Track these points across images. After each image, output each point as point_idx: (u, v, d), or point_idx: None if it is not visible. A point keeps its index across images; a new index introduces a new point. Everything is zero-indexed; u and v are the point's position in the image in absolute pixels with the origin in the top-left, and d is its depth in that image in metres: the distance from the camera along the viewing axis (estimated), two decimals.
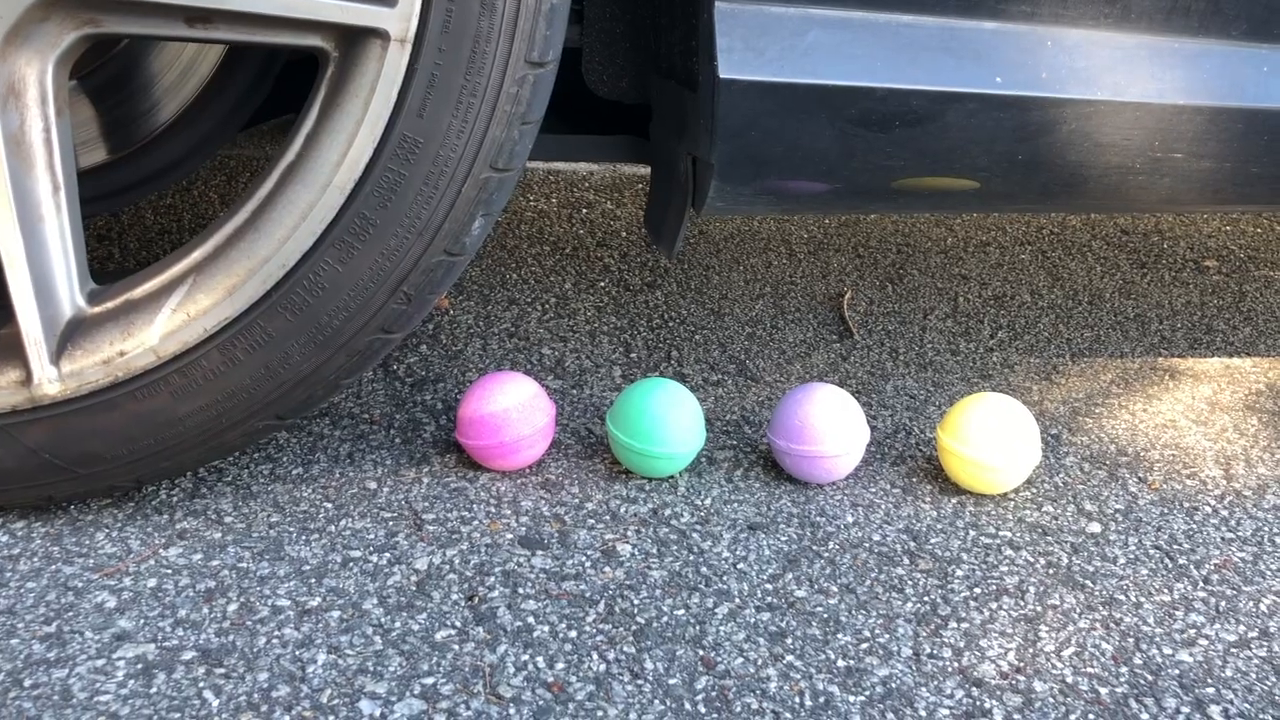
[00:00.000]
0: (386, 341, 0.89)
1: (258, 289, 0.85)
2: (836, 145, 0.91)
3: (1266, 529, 1.00)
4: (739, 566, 0.89)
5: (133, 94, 1.37)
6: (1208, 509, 1.03)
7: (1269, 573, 0.93)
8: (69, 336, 0.85)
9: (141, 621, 0.79)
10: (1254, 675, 0.79)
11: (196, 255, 0.86)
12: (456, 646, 0.78)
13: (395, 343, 0.91)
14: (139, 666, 0.74)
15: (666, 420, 0.98)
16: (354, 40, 0.82)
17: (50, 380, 0.84)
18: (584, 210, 1.99)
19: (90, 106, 1.34)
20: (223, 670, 0.74)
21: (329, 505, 0.95)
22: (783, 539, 0.94)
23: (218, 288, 0.85)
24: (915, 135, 0.91)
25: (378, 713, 0.71)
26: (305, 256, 0.85)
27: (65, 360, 0.85)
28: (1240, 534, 0.99)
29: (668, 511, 0.97)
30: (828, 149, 0.91)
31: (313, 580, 0.85)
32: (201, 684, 0.73)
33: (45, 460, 0.87)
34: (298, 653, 0.77)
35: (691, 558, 0.90)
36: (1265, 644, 0.83)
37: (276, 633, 0.78)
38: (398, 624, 0.80)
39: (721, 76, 0.85)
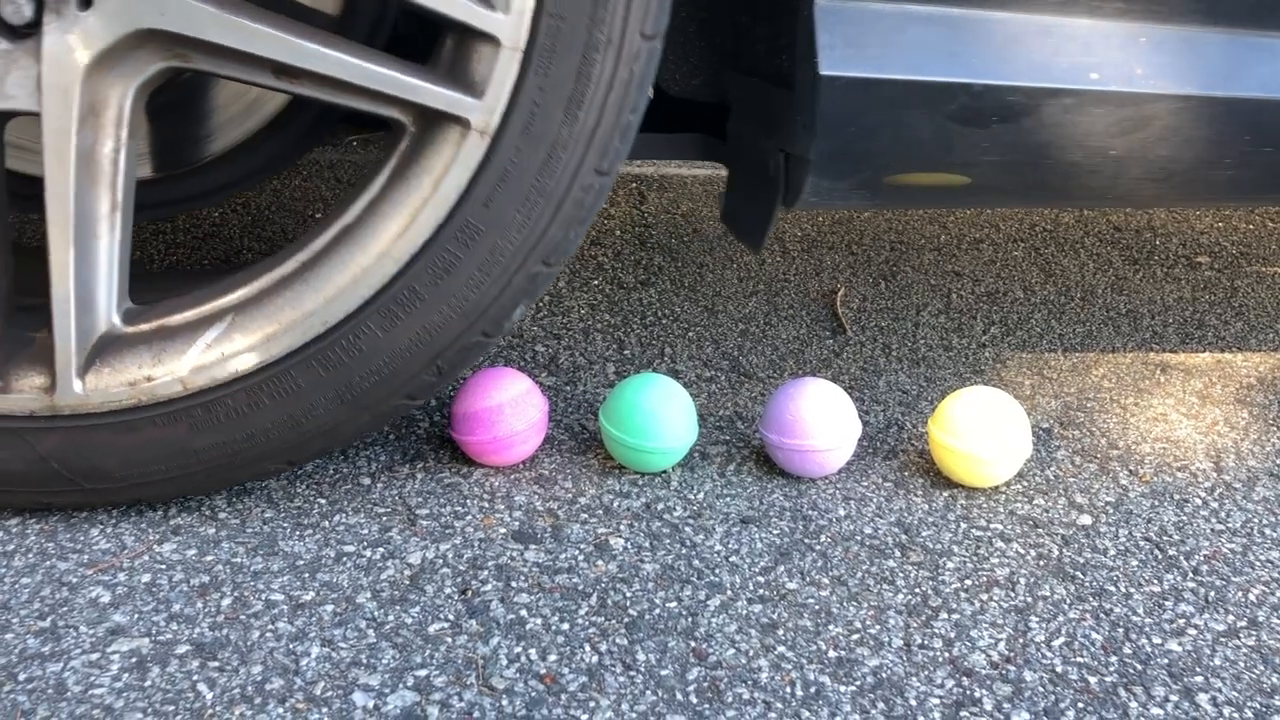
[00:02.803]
0: (409, 407, 0.91)
1: (295, 340, 0.86)
2: (933, 141, 0.92)
3: (1256, 521, 1.00)
4: (731, 559, 0.90)
5: (191, 120, 1.38)
6: (1198, 501, 1.03)
7: (1258, 563, 0.93)
8: (99, 352, 0.85)
9: (136, 616, 0.79)
10: (1242, 664, 0.80)
11: (239, 294, 0.87)
12: (449, 639, 0.78)
13: (415, 408, 0.93)
14: (133, 660, 0.75)
15: (658, 415, 0.98)
16: (434, 121, 0.84)
17: (74, 392, 0.85)
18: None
19: (146, 123, 1.35)
20: (217, 663, 0.75)
21: (322, 501, 0.95)
22: (774, 532, 0.94)
23: (256, 332, 0.86)
24: (1011, 131, 0.92)
25: (371, 704, 0.72)
26: (349, 318, 0.86)
27: (92, 375, 0.85)
28: (1230, 526, 0.99)
29: (660, 506, 0.98)
30: (925, 144, 0.92)
31: (306, 575, 0.85)
32: (196, 677, 0.73)
33: (53, 469, 0.87)
34: (291, 646, 0.77)
35: (684, 551, 0.91)
36: (1254, 633, 0.84)
37: (270, 626, 0.79)
38: (391, 617, 0.80)
39: (823, 74, 0.86)
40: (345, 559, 0.87)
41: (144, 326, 0.87)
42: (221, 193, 1.45)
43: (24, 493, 0.88)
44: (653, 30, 0.83)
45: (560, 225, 0.86)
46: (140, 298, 0.89)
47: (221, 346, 0.85)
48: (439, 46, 0.85)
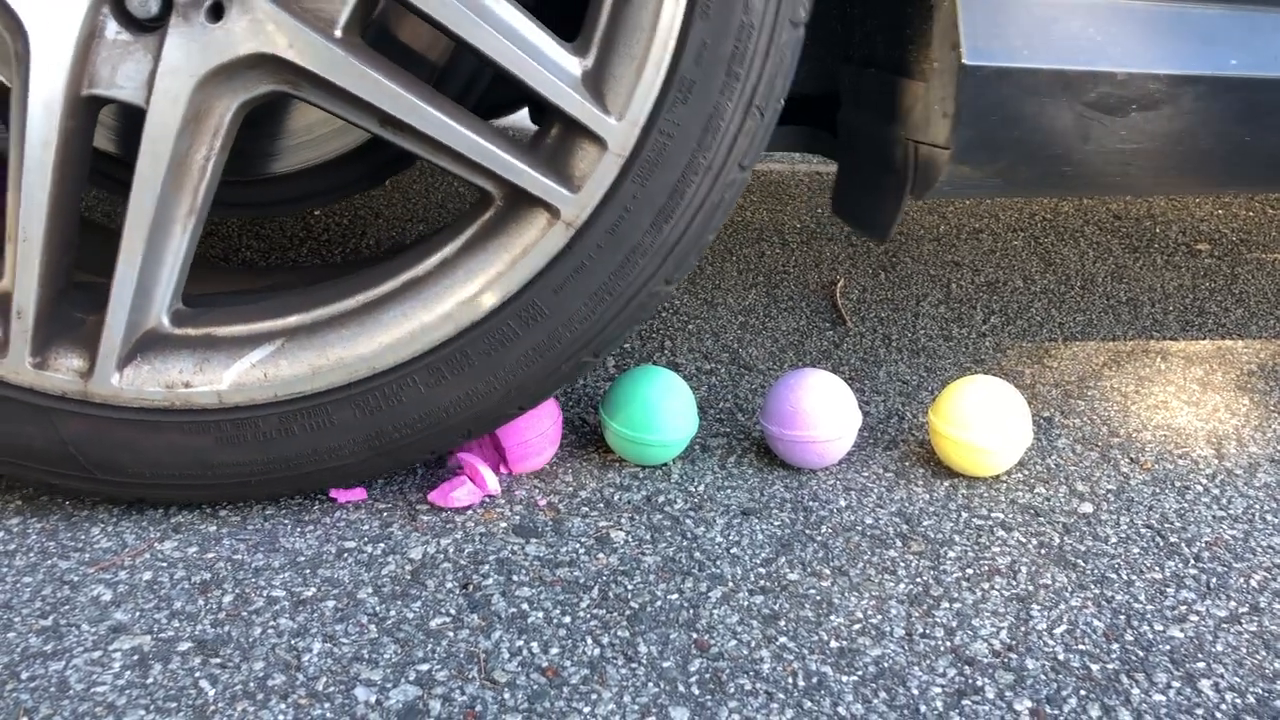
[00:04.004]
0: (428, 458, 0.92)
1: (338, 378, 0.86)
2: (1073, 129, 0.92)
3: (1258, 506, 1.00)
4: (732, 551, 0.90)
5: (263, 136, 1.36)
6: (1199, 488, 1.03)
7: (1260, 549, 0.93)
8: (142, 348, 0.86)
9: (137, 614, 0.79)
10: (1244, 650, 0.80)
11: (294, 321, 0.87)
12: (451, 633, 0.79)
13: (434, 458, 0.95)
14: (135, 658, 0.75)
15: (659, 408, 0.98)
16: (523, 202, 0.84)
17: (109, 383, 0.85)
18: None
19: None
20: (219, 660, 0.75)
21: (323, 497, 0.95)
22: (775, 524, 0.94)
23: (302, 362, 0.86)
24: (1150, 118, 0.93)
25: (373, 699, 0.72)
26: (397, 368, 0.86)
27: (130, 369, 0.85)
28: (1231, 512, 0.99)
29: (661, 499, 0.98)
30: (1065, 132, 0.93)
31: (307, 571, 0.85)
32: (198, 674, 0.73)
33: (70, 453, 0.87)
34: (293, 642, 0.77)
35: (685, 543, 0.91)
36: (1255, 619, 0.83)
37: (272, 623, 0.79)
38: (393, 612, 0.81)
39: (966, 63, 0.87)
40: (346, 555, 0.87)
41: (191, 331, 0.87)
42: (294, 204, 1.42)
43: (36, 470, 0.88)
44: (749, 162, 0.85)
45: (619, 325, 0.87)
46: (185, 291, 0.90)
47: (266, 369, 0.86)
48: (543, 133, 0.86)
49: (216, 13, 0.78)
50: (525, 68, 0.80)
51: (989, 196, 1.00)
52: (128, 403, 0.86)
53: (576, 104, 0.81)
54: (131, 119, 1.26)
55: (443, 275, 0.86)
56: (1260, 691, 0.75)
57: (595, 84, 0.82)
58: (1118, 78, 0.90)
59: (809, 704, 0.73)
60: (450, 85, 1.31)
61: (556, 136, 0.85)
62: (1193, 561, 0.91)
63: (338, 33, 0.79)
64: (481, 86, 1.34)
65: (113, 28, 0.79)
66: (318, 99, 0.82)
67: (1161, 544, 0.94)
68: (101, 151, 1.28)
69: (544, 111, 0.85)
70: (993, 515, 0.97)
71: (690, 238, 0.85)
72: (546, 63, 0.81)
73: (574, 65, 0.82)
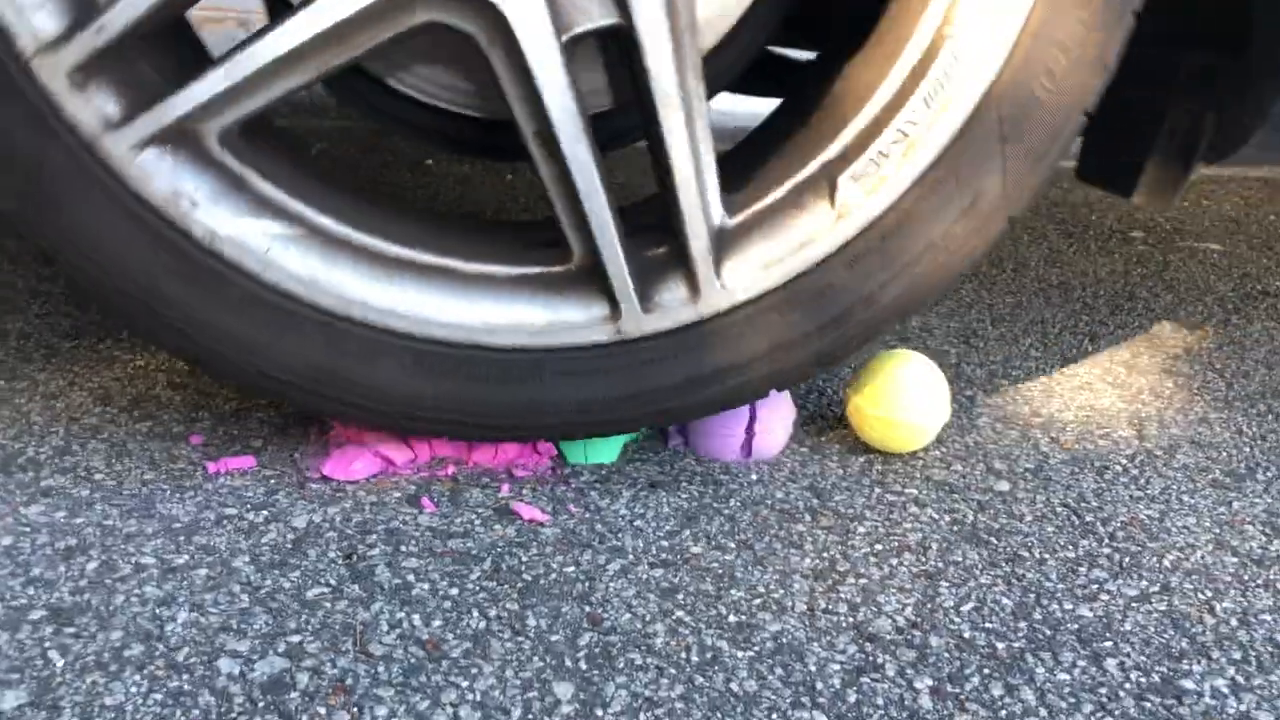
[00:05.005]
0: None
1: None
2: None
3: (1175, 487, 0.98)
4: (635, 524, 0.86)
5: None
6: (1118, 468, 1.01)
7: (1175, 529, 0.91)
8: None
9: None
10: (1153, 629, 0.78)
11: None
12: (328, 604, 0.74)
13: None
14: None
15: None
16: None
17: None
18: (509, 176, 1.95)
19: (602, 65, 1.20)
20: (73, 629, 0.70)
21: (207, 463, 0.90)
22: (683, 496, 0.91)
23: None
24: None
25: (236, 670, 0.67)
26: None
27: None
28: (1149, 492, 0.97)
29: (567, 470, 0.94)
30: None
31: (181, 538, 0.80)
32: (47, 644, 0.68)
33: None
34: (157, 611, 0.72)
35: (587, 515, 0.87)
36: (1165, 598, 0.81)
37: (136, 591, 0.74)
38: (268, 582, 0.76)
39: None
40: (226, 522, 0.83)
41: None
42: None
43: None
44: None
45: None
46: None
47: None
48: None
49: None
50: None
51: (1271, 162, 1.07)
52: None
53: None
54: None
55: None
56: (1165, 670, 0.73)
57: None
58: None
59: (700, 679, 0.69)
60: None
61: None
62: (1107, 541, 0.89)
63: None
64: None
65: None
66: None
67: (1077, 523, 0.91)
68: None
69: None
70: (906, 491, 0.94)
71: None
72: None
73: None
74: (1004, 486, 0.96)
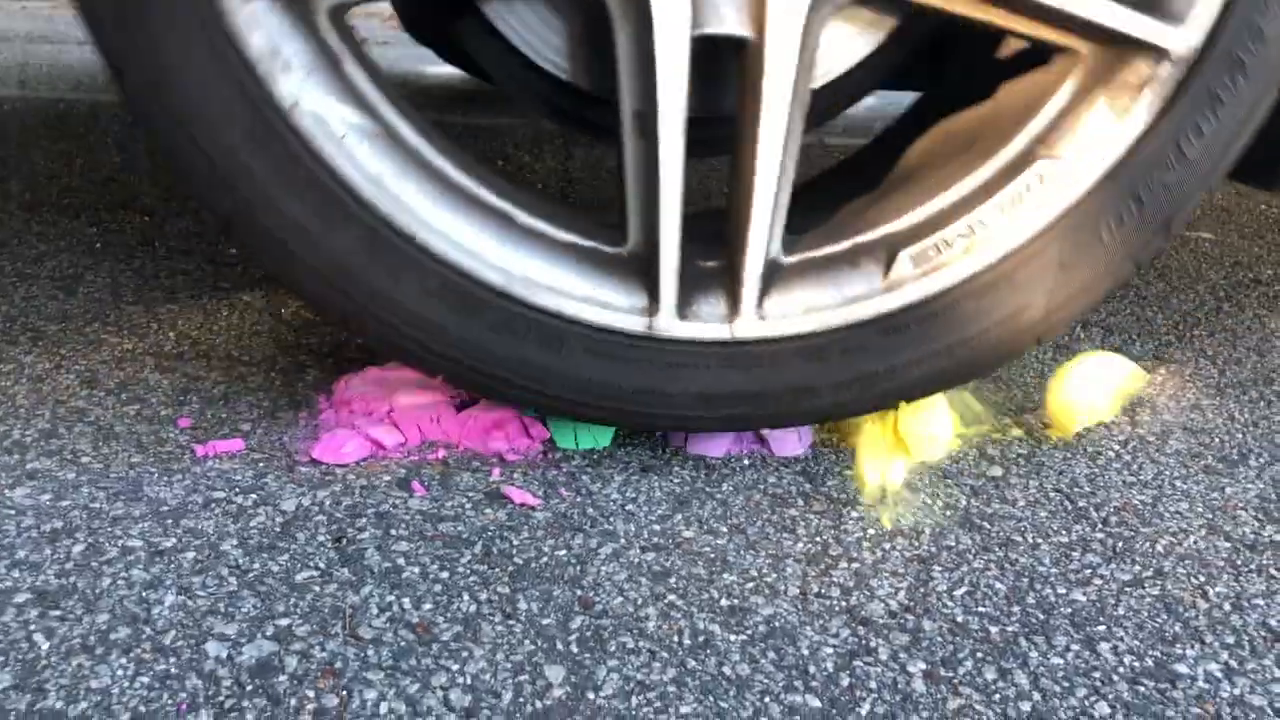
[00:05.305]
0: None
1: None
2: None
3: (1168, 473, 0.98)
4: (627, 508, 0.86)
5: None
6: (1111, 454, 1.01)
7: (1167, 514, 0.91)
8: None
9: None
10: (1145, 613, 0.78)
11: None
12: (318, 588, 0.73)
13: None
14: None
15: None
16: None
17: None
18: (500, 163, 1.94)
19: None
20: (58, 612, 0.69)
21: (196, 446, 0.89)
22: (675, 481, 0.90)
23: None
24: None
25: (224, 654, 0.67)
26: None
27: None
28: (1142, 478, 0.97)
29: (558, 454, 0.93)
30: None
31: (169, 521, 0.79)
32: (33, 627, 0.68)
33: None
34: (144, 594, 0.71)
35: (579, 499, 0.87)
36: (1159, 583, 0.81)
37: (123, 574, 0.73)
38: (256, 565, 0.75)
39: None
40: (214, 505, 0.82)
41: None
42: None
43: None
44: None
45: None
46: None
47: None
48: None
49: None
50: None
51: None
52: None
53: None
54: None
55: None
56: (1159, 654, 0.73)
57: None
58: None
59: (693, 663, 0.69)
60: None
61: None
62: (1100, 526, 0.89)
63: None
64: None
65: None
66: None
67: (1070, 508, 0.91)
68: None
69: None
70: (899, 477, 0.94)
71: None
72: None
73: None
74: (997, 472, 0.96)
